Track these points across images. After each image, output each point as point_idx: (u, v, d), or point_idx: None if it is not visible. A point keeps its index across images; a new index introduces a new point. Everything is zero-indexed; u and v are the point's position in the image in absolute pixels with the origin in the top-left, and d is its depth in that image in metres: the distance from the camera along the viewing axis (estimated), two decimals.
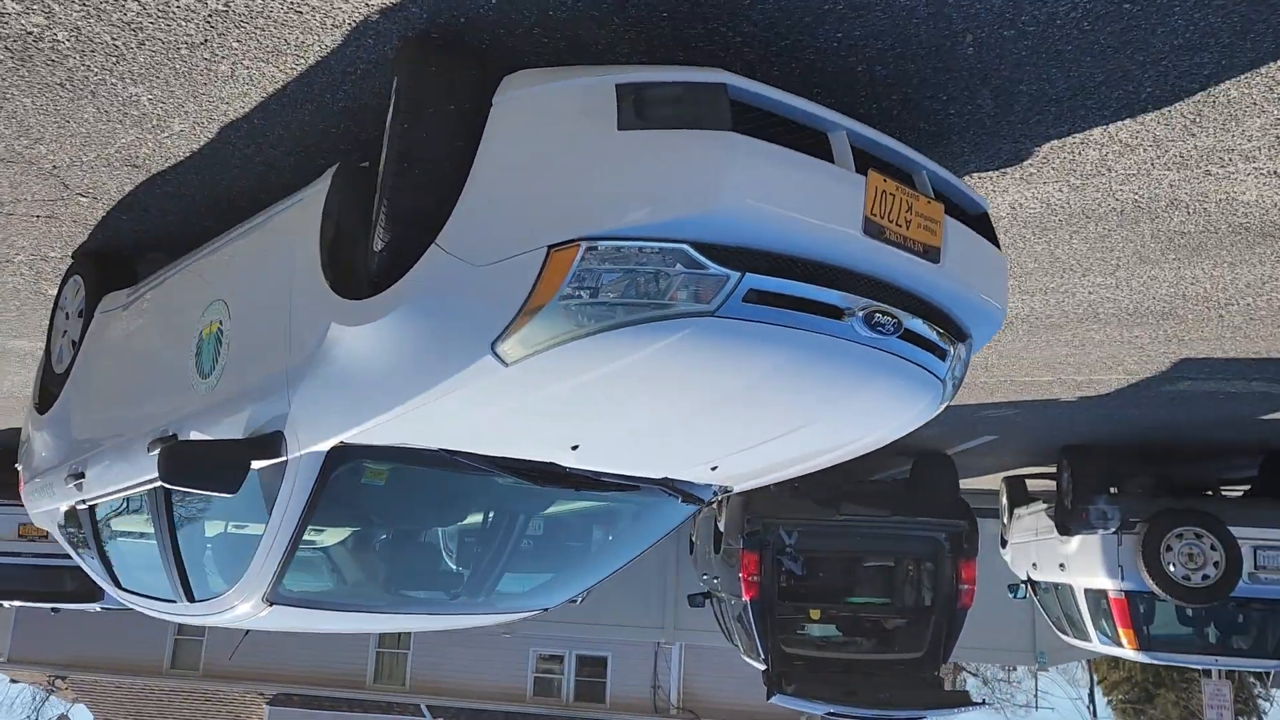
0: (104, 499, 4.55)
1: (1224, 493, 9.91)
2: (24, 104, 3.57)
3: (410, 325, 2.75)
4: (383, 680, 23.96)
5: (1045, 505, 11.13)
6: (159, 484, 3.98)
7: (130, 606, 4.85)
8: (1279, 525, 9.04)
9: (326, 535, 3.79)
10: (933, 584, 9.79)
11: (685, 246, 2.51)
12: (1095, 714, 35.40)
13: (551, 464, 3.39)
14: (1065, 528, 9.77)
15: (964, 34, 2.89)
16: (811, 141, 2.74)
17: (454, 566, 3.97)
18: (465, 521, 3.89)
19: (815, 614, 10.13)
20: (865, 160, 2.81)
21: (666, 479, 3.70)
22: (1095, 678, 34.06)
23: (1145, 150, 3.58)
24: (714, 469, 3.64)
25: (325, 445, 3.19)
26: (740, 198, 2.50)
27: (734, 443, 3.33)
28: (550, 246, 2.52)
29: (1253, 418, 8.27)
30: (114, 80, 3.38)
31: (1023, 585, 12.00)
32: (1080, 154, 3.63)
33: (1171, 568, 8.84)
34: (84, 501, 4.70)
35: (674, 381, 2.77)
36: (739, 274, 2.55)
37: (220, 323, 3.67)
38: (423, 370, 2.79)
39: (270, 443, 3.28)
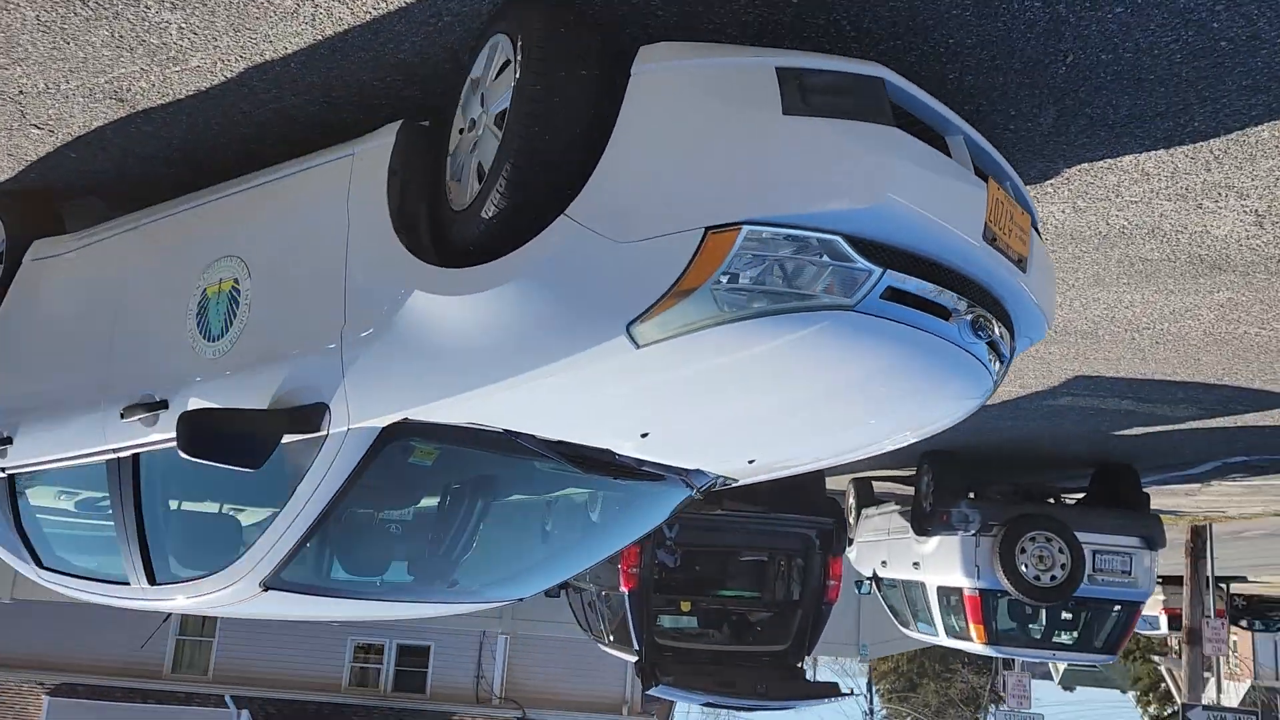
0: (34, 468, 4.07)
1: (1064, 500, 10.71)
2: (25, 17, 3.14)
3: (529, 298, 2.60)
4: (183, 669, 22.57)
5: (898, 506, 11.72)
6: (125, 453, 3.63)
7: (49, 587, 4.36)
8: (1114, 532, 9.89)
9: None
10: (802, 579, 10.11)
11: (839, 239, 2.49)
12: (872, 701, 38.10)
13: (606, 450, 3.29)
14: (923, 529, 10.31)
15: (1066, 54, 3.00)
16: (933, 143, 2.77)
17: (464, 552, 3.78)
18: (491, 506, 3.71)
19: (686, 606, 10.27)
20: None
21: (697, 469, 3.66)
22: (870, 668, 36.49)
23: (1159, 180, 3.82)
24: (751, 462, 3.63)
25: (384, 420, 2.98)
26: (899, 195, 2.50)
27: (807, 437, 3.33)
28: (708, 228, 2.44)
29: (1107, 433, 8.99)
30: (150, 2, 3.03)
31: (868, 581, 12.59)
32: (1100, 179, 3.83)
33: (1024, 568, 9.50)
34: (3, 470, 4.20)
35: (788, 374, 2.74)
36: (880, 270, 2.55)
37: (235, 281, 3.36)
38: (539, 346, 2.64)
39: (310, 415, 3.03)
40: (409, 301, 2.81)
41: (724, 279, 2.45)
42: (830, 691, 9.40)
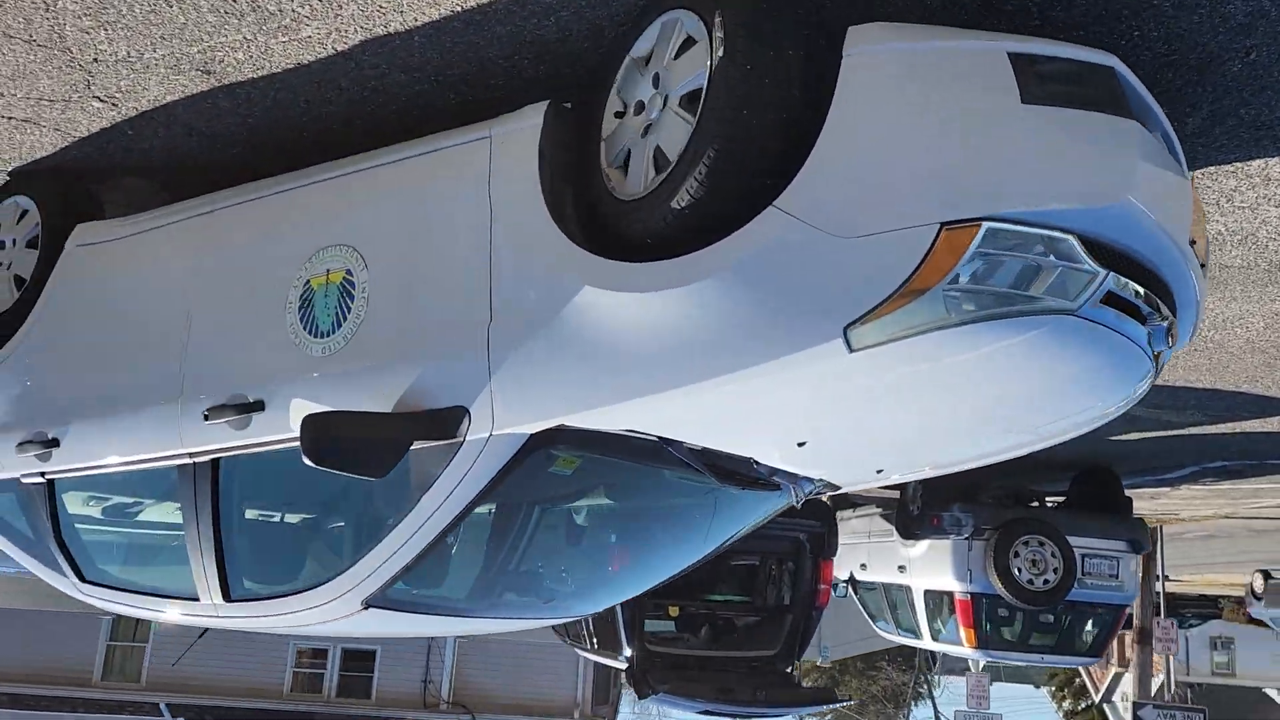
0: (84, 473, 3.73)
1: (1046, 503, 10.80)
2: None
3: (731, 296, 2.40)
4: (113, 676, 21.66)
5: (879, 509, 11.71)
6: (203, 458, 3.33)
7: (89, 602, 4.01)
8: (1102, 536, 9.99)
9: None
10: (792, 583, 10.02)
11: (1071, 239, 2.34)
12: None
13: (747, 460, 3.11)
14: (911, 532, 10.29)
15: (1248, 51, 2.91)
16: None
17: (576, 566, 3.56)
18: (612, 518, 3.48)
19: (674, 610, 10.11)
20: None
21: (810, 478, 3.49)
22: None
23: (1277, 186, 3.77)
24: (879, 471, 3.47)
25: (535, 426, 2.75)
26: (1135, 196, 2.37)
27: (967, 442, 3.18)
28: (944, 224, 2.27)
29: (1097, 436, 9.04)
30: None
31: (843, 584, 12.56)
32: (1219, 182, 3.77)
33: (1018, 573, 9.53)
34: (41, 475, 3.84)
35: (988, 379, 2.59)
36: (1105, 273, 2.41)
37: (347, 272, 3.08)
38: (739, 348, 2.44)
39: (448, 419, 2.79)
40: (577, 298, 2.59)
41: (967, 278, 2.29)
42: (828, 697, 9.33)
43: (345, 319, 3.05)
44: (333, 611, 3.26)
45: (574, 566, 3.55)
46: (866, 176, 2.35)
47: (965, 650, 10.25)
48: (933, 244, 2.27)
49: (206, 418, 3.23)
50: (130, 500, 3.93)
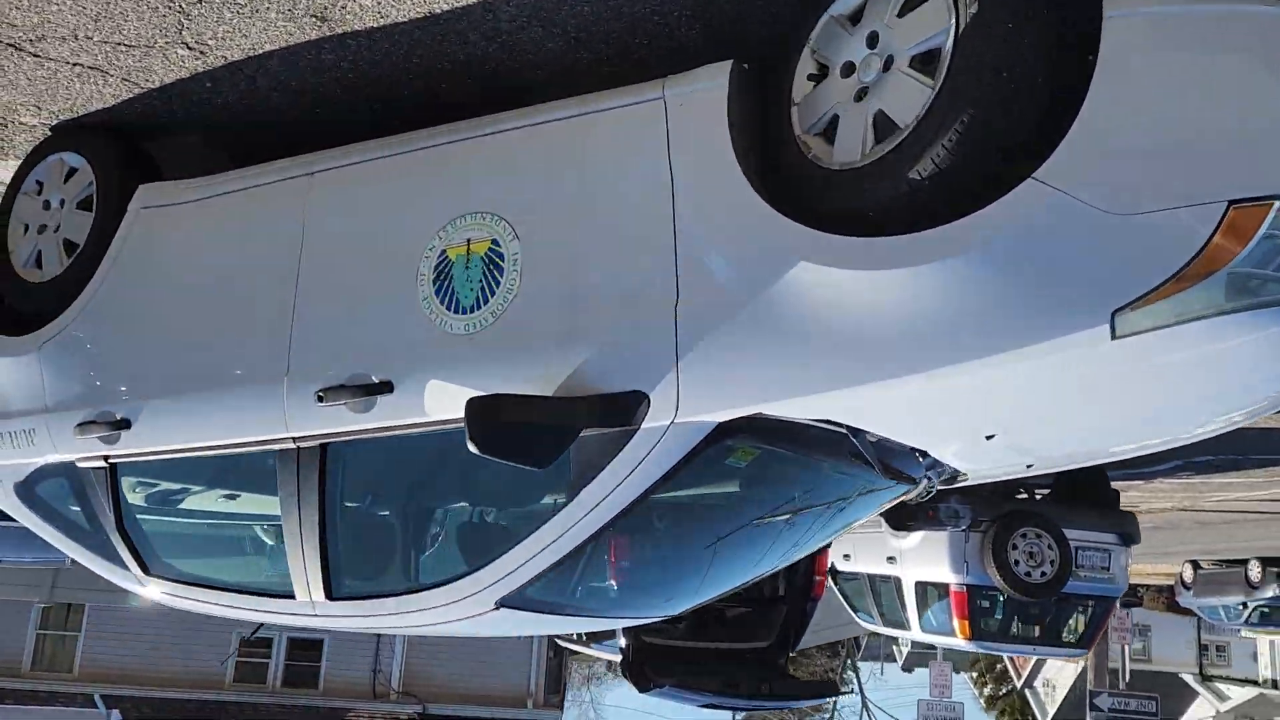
0: (157, 458, 3.39)
1: (1036, 495, 10.85)
2: None
3: (982, 274, 2.20)
4: (43, 666, 20.77)
5: None
6: (310, 443, 3.04)
7: (154, 598, 3.66)
8: (1095, 528, 10.07)
9: None
10: (786, 574, 9.89)
11: None
12: None
13: (918, 452, 2.92)
14: (903, 524, 10.26)
15: None
16: None
17: (711, 563, 3.32)
18: (754, 510, 3.25)
19: None
20: None
21: (965, 473, 3.32)
22: None
23: None
24: (1029, 466, 3.31)
25: (726, 414, 2.52)
26: None
27: (1152, 434, 3.03)
28: (1232, 202, 2.10)
29: None
30: None
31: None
32: None
33: (1015, 565, 9.55)
34: (104, 459, 3.49)
35: (1228, 370, 2.43)
36: None
37: (493, 242, 2.81)
38: (983, 333, 2.24)
39: (625, 405, 2.55)
40: (789, 274, 2.37)
41: (1253, 261, 2.12)
42: (831, 690, 9.25)
43: (492, 294, 2.77)
44: (459, 611, 2.99)
45: (709, 563, 3.32)
46: (1139, 149, 2.16)
47: (957, 641, 10.25)
48: (1219, 223, 2.10)
49: (321, 399, 2.93)
50: (208, 487, 3.60)
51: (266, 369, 3.09)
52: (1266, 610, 20.75)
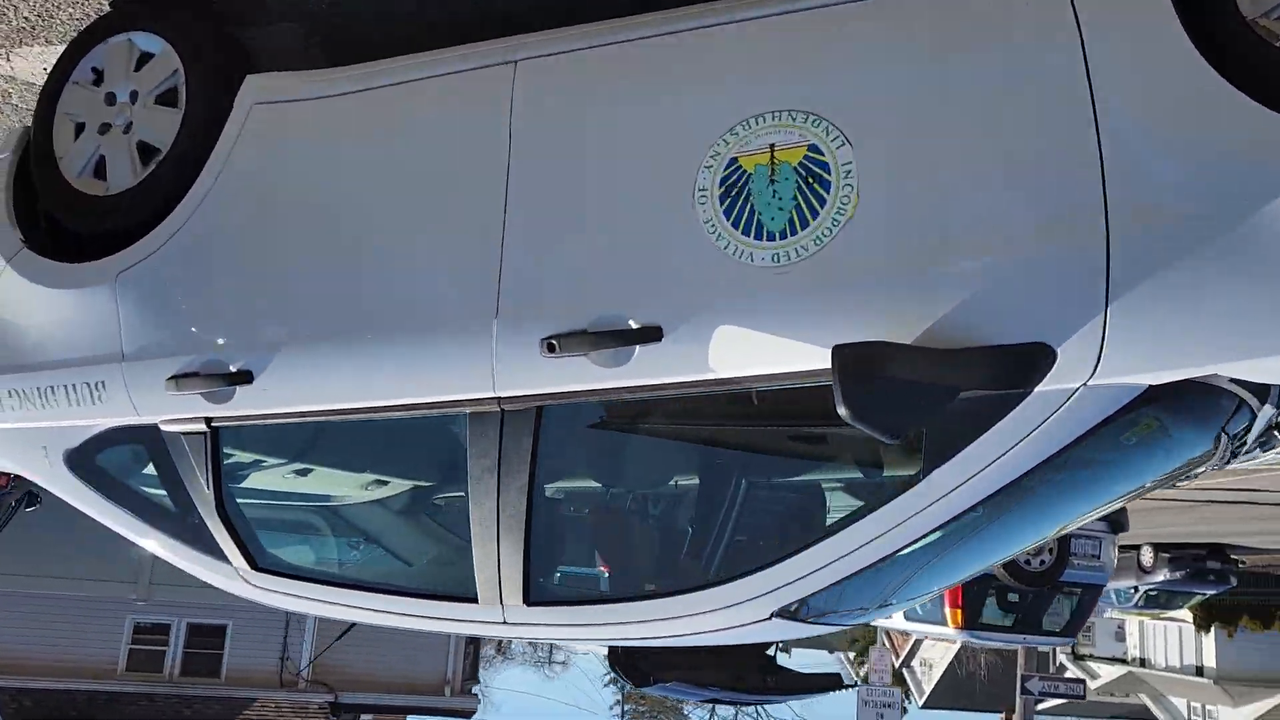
0: (284, 421, 2.65)
1: None
2: None
3: None
4: None
5: None
6: (520, 406, 2.38)
7: (260, 599, 2.90)
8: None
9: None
10: None
11: None
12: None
13: None
14: None
15: None
16: None
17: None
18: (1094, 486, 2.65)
19: None
20: None
21: None
22: None
23: None
24: None
25: (1170, 374, 1.96)
26: None
27: None
28: None
29: None
30: None
31: None
32: None
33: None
34: (205, 422, 2.73)
35: None
36: None
37: (809, 149, 2.18)
38: None
39: (1025, 361, 1.97)
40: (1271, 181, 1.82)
41: None
42: (834, 684, 8.86)
43: (813, 216, 2.15)
44: (719, 621, 2.37)
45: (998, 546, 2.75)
46: None
47: (949, 631, 10.01)
48: None
49: (553, 349, 2.26)
50: (347, 461, 2.86)
51: (464, 309, 2.40)
52: (1155, 594, 21.42)
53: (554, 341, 2.26)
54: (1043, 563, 9.35)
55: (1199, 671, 27.73)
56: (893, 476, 2.20)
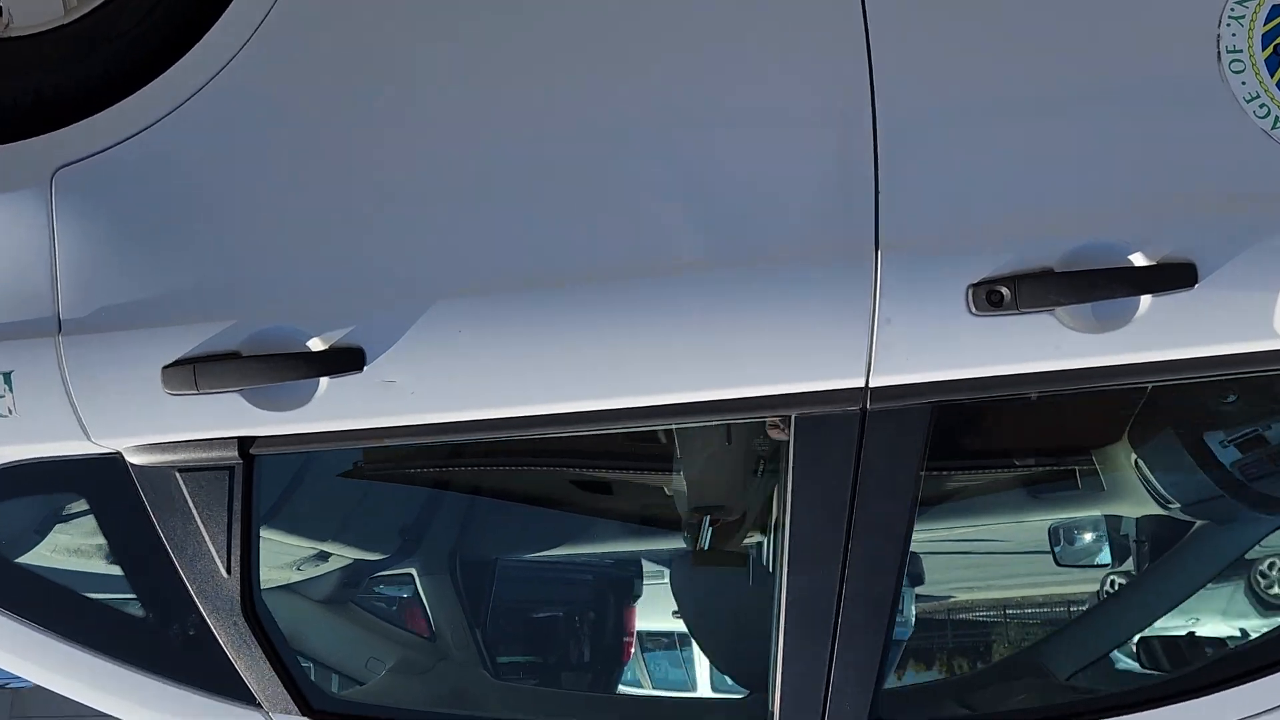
0: (408, 439, 1.47)
1: None
2: None
3: None
4: None
5: None
6: (905, 401, 1.43)
7: None
8: None
9: None
10: None
11: None
12: None
13: None
14: None
15: None
16: None
17: None
18: None
19: None
20: None
21: None
22: None
23: None
24: None
25: None
26: None
27: None
28: None
29: None
30: None
31: None
32: None
33: None
34: (243, 446, 1.49)
35: None
36: None
37: None
38: None
39: None
40: None
41: None
42: None
43: None
44: None
45: None
46: None
47: None
48: None
49: (997, 300, 1.30)
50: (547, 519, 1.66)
51: (823, 247, 1.37)
52: None
53: (1001, 289, 1.29)
54: None
55: None
56: None
